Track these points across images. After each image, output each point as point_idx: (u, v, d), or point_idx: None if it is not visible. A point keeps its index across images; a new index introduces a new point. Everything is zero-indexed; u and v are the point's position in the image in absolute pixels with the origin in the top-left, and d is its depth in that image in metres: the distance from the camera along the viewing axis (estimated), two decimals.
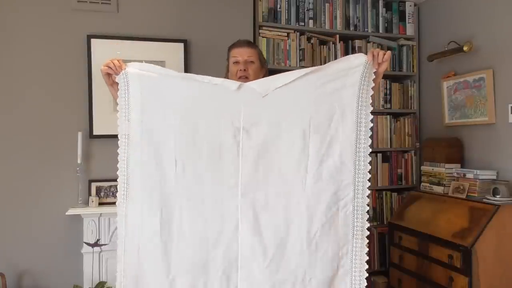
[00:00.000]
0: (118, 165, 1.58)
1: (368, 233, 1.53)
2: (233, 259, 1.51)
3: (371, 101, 1.54)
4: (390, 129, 3.31)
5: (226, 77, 1.88)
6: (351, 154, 1.52)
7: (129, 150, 1.57)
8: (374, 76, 1.55)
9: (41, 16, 2.55)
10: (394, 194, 3.31)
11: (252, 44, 1.95)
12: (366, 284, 1.53)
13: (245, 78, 1.77)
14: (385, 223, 3.23)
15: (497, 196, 2.42)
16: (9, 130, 2.50)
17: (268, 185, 1.53)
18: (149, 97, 1.57)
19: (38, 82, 2.54)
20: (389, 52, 1.55)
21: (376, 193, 3.25)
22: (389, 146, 3.30)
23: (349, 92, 1.52)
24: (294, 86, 1.54)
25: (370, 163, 1.54)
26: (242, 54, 1.83)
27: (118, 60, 1.58)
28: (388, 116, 3.30)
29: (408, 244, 2.73)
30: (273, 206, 1.52)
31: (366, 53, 1.57)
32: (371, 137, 1.54)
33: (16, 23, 2.51)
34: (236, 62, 1.83)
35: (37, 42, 2.54)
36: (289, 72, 1.59)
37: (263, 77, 1.88)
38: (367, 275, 1.53)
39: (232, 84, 1.57)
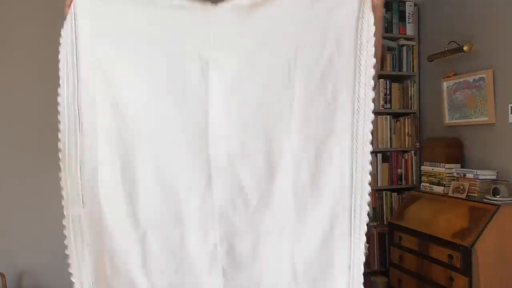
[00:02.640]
0: (59, 108, 1.34)
1: (368, 198, 1.29)
2: (209, 214, 1.33)
3: (374, 29, 1.23)
4: (390, 129, 3.30)
5: None
6: (348, 93, 1.25)
7: (79, 87, 1.33)
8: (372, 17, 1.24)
9: (41, 16, 2.55)
10: (394, 194, 3.31)
11: None
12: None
13: None
14: (385, 223, 3.22)
15: (497, 196, 2.41)
16: (9, 130, 2.50)
17: (244, 131, 1.30)
18: (101, 28, 1.33)
19: (38, 81, 2.54)
20: None
21: (376, 193, 3.25)
22: (389, 146, 3.29)
23: (345, 11, 1.25)
24: (277, 6, 1.27)
25: (372, 122, 1.25)
26: None
27: None
28: (388, 116, 3.29)
29: (408, 244, 2.73)
30: (251, 154, 1.31)
31: None
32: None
33: (16, 23, 2.51)
34: None
35: (37, 42, 2.54)
36: None
37: None
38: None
39: (199, 4, 1.30)
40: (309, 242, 1.31)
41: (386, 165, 3.28)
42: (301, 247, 1.32)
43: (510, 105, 2.56)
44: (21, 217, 2.51)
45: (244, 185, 1.32)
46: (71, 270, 1.39)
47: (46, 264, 2.54)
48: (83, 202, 1.33)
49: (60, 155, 1.33)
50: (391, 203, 3.29)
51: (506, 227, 2.31)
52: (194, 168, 1.33)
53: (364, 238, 1.28)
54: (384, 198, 3.27)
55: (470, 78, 2.83)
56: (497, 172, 2.63)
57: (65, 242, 1.38)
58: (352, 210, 1.28)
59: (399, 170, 3.33)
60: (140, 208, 1.35)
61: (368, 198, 1.28)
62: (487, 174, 2.60)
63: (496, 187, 2.45)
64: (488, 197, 2.47)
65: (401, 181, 3.33)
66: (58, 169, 2.72)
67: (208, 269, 1.36)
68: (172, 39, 1.31)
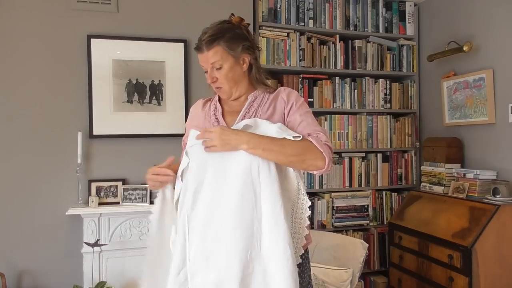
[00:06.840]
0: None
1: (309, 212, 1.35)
2: None
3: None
4: (390, 129, 3.30)
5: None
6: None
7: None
8: None
9: (41, 16, 2.55)
10: (394, 194, 3.31)
11: (212, 40, 1.37)
12: None
13: (219, 89, 1.45)
14: (385, 223, 3.22)
15: (497, 196, 2.42)
16: (9, 130, 2.50)
17: (219, 258, 1.26)
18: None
19: (38, 82, 2.54)
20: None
21: (376, 193, 3.25)
22: (389, 146, 3.29)
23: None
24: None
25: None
26: (204, 61, 1.42)
27: (159, 173, 1.37)
28: (388, 116, 3.30)
29: (408, 244, 2.73)
30: (226, 282, 1.26)
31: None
32: None
33: (16, 23, 2.51)
34: (205, 71, 1.46)
35: (37, 42, 2.54)
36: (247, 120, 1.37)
37: (248, 69, 1.46)
38: None
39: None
40: None
41: (386, 165, 3.28)
42: None
43: (510, 105, 2.56)
44: (21, 217, 2.51)
45: None
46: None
47: (46, 264, 2.54)
48: None
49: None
50: (391, 203, 3.29)
51: (506, 227, 2.31)
52: None
53: None
54: (384, 198, 3.27)
55: (470, 78, 2.83)
56: (497, 172, 2.63)
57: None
58: None
59: (399, 170, 3.33)
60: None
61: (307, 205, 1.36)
62: (487, 174, 2.60)
63: (496, 187, 2.45)
64: (488, 197, 2.48)
65: (401, 181, 3.33)
66: (58, 169, 2.72)
67: None
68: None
